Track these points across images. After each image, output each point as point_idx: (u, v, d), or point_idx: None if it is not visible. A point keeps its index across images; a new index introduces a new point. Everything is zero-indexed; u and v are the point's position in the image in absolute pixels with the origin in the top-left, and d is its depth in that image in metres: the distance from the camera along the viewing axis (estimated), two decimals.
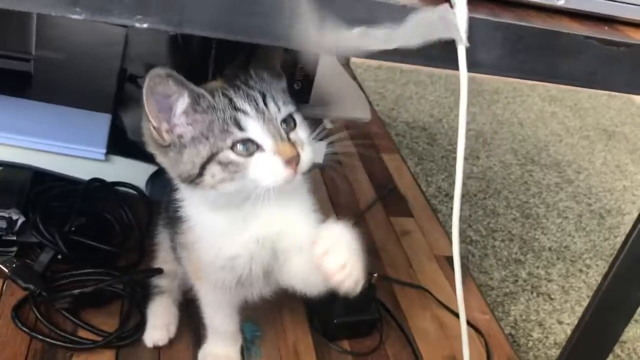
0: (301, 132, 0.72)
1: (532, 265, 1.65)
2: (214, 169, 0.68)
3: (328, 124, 1.47)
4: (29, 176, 1.05)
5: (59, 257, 0.97)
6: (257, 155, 0.68)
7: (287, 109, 0.71)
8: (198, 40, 1.42)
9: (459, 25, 0.56)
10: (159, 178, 1.09)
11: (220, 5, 0.52)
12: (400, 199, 1.42)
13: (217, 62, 1.37)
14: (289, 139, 0.69)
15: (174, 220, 0.84)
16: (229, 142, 0.67)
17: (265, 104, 0.69)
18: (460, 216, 1.84)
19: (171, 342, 0.92)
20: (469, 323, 1.07)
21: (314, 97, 1.51)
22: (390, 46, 0.54)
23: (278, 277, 0.80)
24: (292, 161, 0.68)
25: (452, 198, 1.84)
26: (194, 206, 0.77)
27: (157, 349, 0.91)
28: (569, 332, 1.44)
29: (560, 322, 1.48)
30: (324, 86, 1.54)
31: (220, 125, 0.67)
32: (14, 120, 1.07)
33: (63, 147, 1.07)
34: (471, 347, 1.03)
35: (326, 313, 0.99)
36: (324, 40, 0.54)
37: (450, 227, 1.50)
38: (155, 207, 1.05)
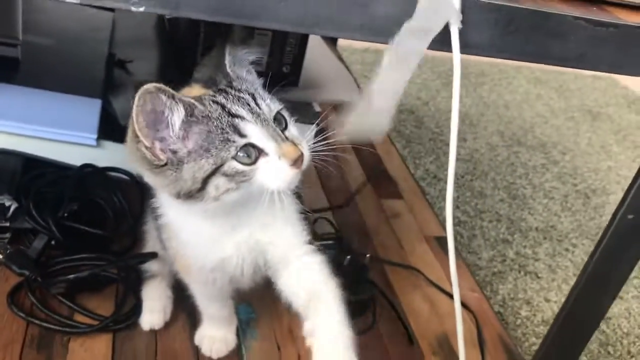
0: (294, 129, 0.70)
1: (519, 245, 1.68)
2: (218, 181, 0.65)
3: (317, 107, 1.48)
4: (20, 162, 1.05)
5: (53, 242, 0.98)
6: (262, 161, 0.66)
7: (275, 106, 0.69)
8: (186, 24, 1.42)
9: (454, 5, 0.57)
10: None
11: None
12: (389, 181, 1.43)
13: (205, 46, 1.37)
14: (286, 138, 0.67)
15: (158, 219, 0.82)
16: (232, 151, 0.64)
17: (257, 105, 0.67)
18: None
19: (167, 324, 0.93)
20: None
21: (302, 80, 1.51)
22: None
23: (269, 275, 0.80)
24: (298, 161, 0.66)
25: (440, 180, 1.87)
26: (179, 214, 0.74)
27: (153, 331, 0.92)
28: (556, 309, 1.47)
29: (547, 300, 1.51)
30: (313, 69, 1.55)
31: (219, 135, 0.64)
32: (3, 106, 1.07)
33: (54, 132, 1.07)
34: (463, 324, 1.05)
35: None
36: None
37: (439, 208, 1.52)
38: (147, 192, 1.05)
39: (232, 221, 0.73)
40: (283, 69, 1.43)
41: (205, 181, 0.65)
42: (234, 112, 0.65)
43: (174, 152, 0.65)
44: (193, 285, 0.87)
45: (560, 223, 1.81)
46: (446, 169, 2.03)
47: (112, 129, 1.11)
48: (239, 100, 0.67)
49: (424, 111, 2.24)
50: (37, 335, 0.87)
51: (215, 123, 0.64)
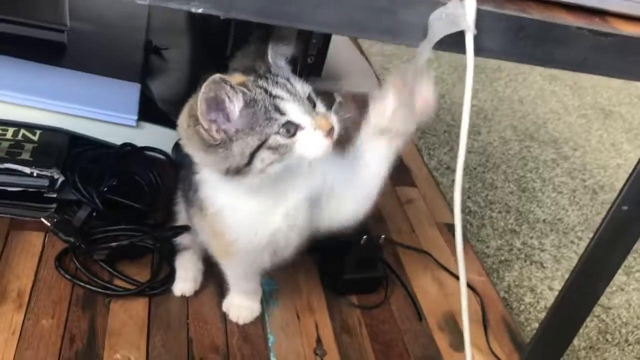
0: (321, 106, 0.79)
1: (526, 235, 1.75)
2: (263, 155, 0.73)
3: (338, 98, 1.56)
4: (66, 139, 1.13)
5: (95, 214, 1.07)
6: (300, 134, 0.75)
7: (307, 87, 0.78)
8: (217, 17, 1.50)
9: (468, 15, 0.64)
10: None
11: None
12: (404, 170, 1.51)
13: (235, 36, 1.46)
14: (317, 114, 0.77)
15: (192, 202, 0.91)
16: (275, 127, 0.73)
17: (293, 87, 0.76)
18: (462, 187, 1.92)
19: (197, 292, 1.02)
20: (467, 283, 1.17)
21: (325, 71, 1.59)
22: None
23: (316, 226, 0.89)
24: (331, 132, 0.75)
25: (453, 171, 1.93)
26: (224, 194, 0.83)
27: (185, 298, 1.01)
28: None
29: (551, 289, 1.59)
30: (335, 61, 1.63)
31: (263, 115, 0.73)
32: (52, 87, 1.15)
33: (97, 113, 1.15)
34: (468, 305, 1.13)
35: (336, 270, 1.09)
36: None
37: (451, 197, 1.61)
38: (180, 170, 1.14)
39: (278, 193, 0.81)
40: (307, 60, 1.52)
41: (252, 155, 0.74)
42: (274, 93, 0.75)
43: (225, 132, 0.73)
44: (228, 266, 0.95)
45: (567, 216, 1.88)
46: None
47: (150, 111, 1.19)
48: (277, 84, 0.76)
49: (439, 104, 2.30)
50: (82, 296, 0.97)
51: (260, 105, 0.74)
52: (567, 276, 1.65)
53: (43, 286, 0.97)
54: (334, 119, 0.77)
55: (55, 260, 1.00)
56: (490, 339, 1.09)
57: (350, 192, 0.87)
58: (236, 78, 0.78)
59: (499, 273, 1.59)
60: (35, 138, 1.11)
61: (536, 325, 1.47)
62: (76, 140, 1.14)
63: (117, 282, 1.00)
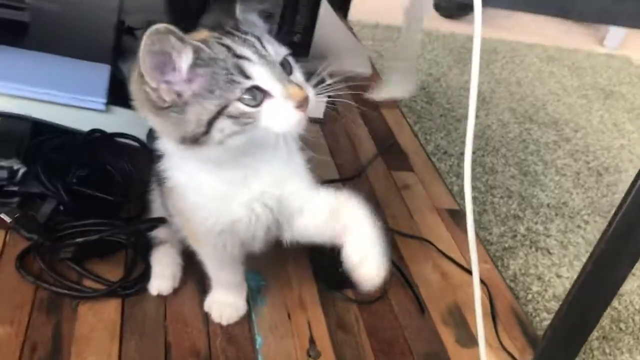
0: (299, 75, 0.70)
1: (530, 221, 1.66)
2: (223, 124, 0.65)
3: (327, 79, 1.46)
4: (28, 127, 1.04)
5: (61, 208, 0.97)
6: (268, 102, 0.65)
7: (282, 50, 0.69)
8: None
9: None
10: None
11: None
12: (400, 154, 1.42)
13: None
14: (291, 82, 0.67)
15: (163, 185, 0.82)
16: (237, 93, 0.64)
17: (264, 47, 0.67)
18: (459, 173, 1.83)
19: (176, 290, 0.93)
20: (469, 271, 1.08)
21: (313, 51, 1.49)
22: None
23: (279, 234, 0.80)
24: (303, 103, 0.66)
25: (450, 156, 1.85)
26: (185, 171, 0.74)
27: (162, 297, 0.91)
28: (567, 285, 1.46)
29: (559, 276, 1.50)
30: (324, 39, 1.52)
31: (224, 77, 0.64)
32: (12, 69, 1.06)
33: (63, 97, 1.06)
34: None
35: (330, 263, 0.99)
36: None
37: (450, 183, 1.50)
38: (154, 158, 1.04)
39: (241, 174, 0.72)
40: (293, 38, 1.41)
41: (210, 124, 0.64)
42: (239, 53, 0.65)
43: (179, 94, 0.64)
44: (202, 251, 0.86)
45: (572, 200, 1.79)
46: (457, 145, 2.01)
47: (121, 94, 1.08)
48: (245, 42, 0.66)
49: (435, 87, 2.21)
50: (47, 299, 0.87)
51: (220, 65, 0.64)
52: (575, 263, 1.57)
53: (2, 290, 0.87)
54: (309, 90, 0.68)
55: (17, 260, 0.90)
56: (500, 332, 0.99)
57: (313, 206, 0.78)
58: (200, 34, 0.68)
59: (503, 261, 1.50)
60: None
61: (545, 315, 1.38)
62: (39, 128, 1.05)
63: (87, 282, 0.91)
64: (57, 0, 1.23)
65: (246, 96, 0.64)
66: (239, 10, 0.69)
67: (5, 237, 0.94)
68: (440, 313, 1.00)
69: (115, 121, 1.09)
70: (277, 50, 0.68)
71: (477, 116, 2.09)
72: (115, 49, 1.19)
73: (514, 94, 2.32)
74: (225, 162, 0.71)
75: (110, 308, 0.88)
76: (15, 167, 0.96)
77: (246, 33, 0.67)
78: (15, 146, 0.98)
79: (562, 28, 3.00)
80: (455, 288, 1.06)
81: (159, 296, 0.91)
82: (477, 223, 1.60)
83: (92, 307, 0.87)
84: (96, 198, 0.99)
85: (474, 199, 1.68)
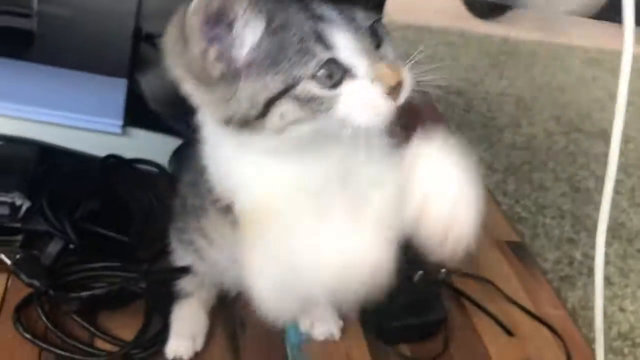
0: (390, 49, 0.53)
1: (586, 245, 1.52)
2: (285, 107, 0.50)
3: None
4: (33, 153, 0.93)
5: (71, 246, 0.84)
6: (349, 84, 0.50)
7: (370, 15, 0.52)
8: None
9: None
10: (185, 152, 0.95)
11: None
12: None
13: None
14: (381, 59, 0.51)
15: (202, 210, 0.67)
16: (311, 67, 0.49)
17: (352, 10, 0.51)
18: (506, 190, 1.67)
19: (198, 354, 0.78)
20: (542, 321, 0.95)
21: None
22: None
23: None
24: (397, 89, 0.50)
25: (496, 171, 1.71)
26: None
27: None
28: (632, 320, 1.32)
29: (622, 310, 1.35)
30: None
31: (296, 45, 0.49)
32: (15, 87, 0.97)
33: (73, 118, 0.95)
34: (548, 350, 0.90)
35: (380, 316, 0.85)
36: None
37: (504, 204, 1.32)
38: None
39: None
40: None
41: (268, 106, 0.49)
42: (319, 13, 0.49)
43: (230, 62, 0.49)
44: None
45: (629, 220, 1.64)
46: (502, 158, 1.85)
47: (139, 114, 0.98)
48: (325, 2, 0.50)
49: (473, 93, 2.08)
50: None
51: (292, 31, 0.49)
52: (638, 293, 1.43)
53: (2, 348, 0.73)
54: (405, 72, 0.51)
55: (15, 312, 0.77)
56: None
57: None
58: None
59: (560, 293, 1.35)
60: None
61: (611, 356, 1.23)
62: (46, 154, 0.94)
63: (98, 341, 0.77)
64: (67, 4, 1.11)
65: (321, 72, 0.49)
66: None
67: (7, 282, 0.81)
68: None
69: (134, 145, 0.99)
70: (367, 14, 0.52)
71: (519, 125, 1.95)
72: (133, 61, 1.07)
73: (556, 100, 2.18)
74: (287, 154, 0.54)
75: None
76: (18, 202, 0.83)
77: None
78: (18, 177, 0.87)
79: (602, 28, 2.85)
80: (525, 340, 0.92)
81: None
82: (529, 249, 1.45)
83: None
84: (109, 238, 0.86)
85: (524, 220, 1.54)
